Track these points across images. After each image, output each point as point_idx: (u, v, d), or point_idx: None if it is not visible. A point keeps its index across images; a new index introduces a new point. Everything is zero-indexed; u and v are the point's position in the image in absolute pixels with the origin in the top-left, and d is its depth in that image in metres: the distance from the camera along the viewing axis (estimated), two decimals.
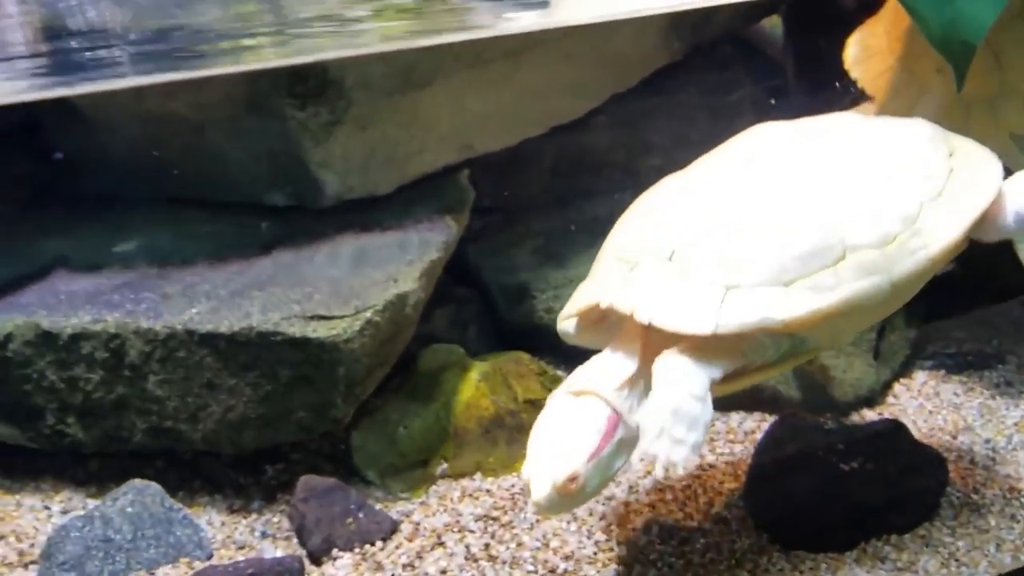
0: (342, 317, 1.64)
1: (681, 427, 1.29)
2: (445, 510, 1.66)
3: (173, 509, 1.62)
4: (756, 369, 1.41)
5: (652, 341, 1.37)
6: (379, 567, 1.55)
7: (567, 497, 1.29)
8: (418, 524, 1.63)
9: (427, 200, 1.91)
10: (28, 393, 1.69)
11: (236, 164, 1.85)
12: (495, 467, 1.77)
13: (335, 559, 1.56)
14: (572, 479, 1.28)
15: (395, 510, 1.67)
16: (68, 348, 1.67)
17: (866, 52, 1.91)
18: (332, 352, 1.62)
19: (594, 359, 1.41)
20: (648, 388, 1.35)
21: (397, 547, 1.58)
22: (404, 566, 1.54)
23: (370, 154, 1.84)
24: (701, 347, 1.33)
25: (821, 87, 2.06)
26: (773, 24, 2.42)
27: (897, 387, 1.97)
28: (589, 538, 1.59)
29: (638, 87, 2.18)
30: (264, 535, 1.66)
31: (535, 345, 1.93)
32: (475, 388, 1.80)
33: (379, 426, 1.78)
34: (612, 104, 2.14)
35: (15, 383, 1.69)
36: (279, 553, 1.60)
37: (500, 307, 2.04)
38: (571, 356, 1.50)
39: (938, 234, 1.44)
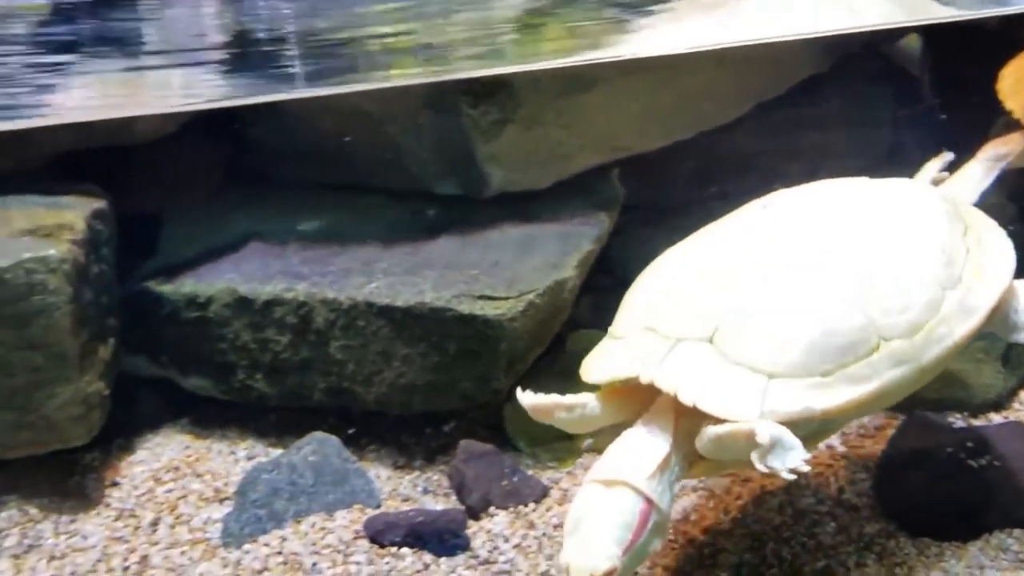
0: (506, 298, 1.81)
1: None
2: None
3: (348, 460, 1.81)
4: None
5: (684, 419, 1.41)
6: (531, 525, 1.71)
7: None
8: (566, 491, 1.79)
9: (581, 196, 2.06)
10: (223, 351, 1.91)
11: (411, 155, 2.04)
12: None
13: (492, 515, 1.73)
14: (609, 574, 1.33)
15: (544, 477, 1.84)
16: (262, 312, 1.88)
17: (1021, 84, 1.96)
18: (497, 329, 1.79)
19: (624, 439, 1.43)
20: (679, 466, 1.40)
21: (548, 510, 1.75)
22: (554, 526, 1.70)
23: (533, 151, 2.00)
24: None
25: (962, 109, 2.13)
26: (910, 42, 2.49)
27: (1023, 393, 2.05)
28: (726, 514, 1.72)
29: (783, 96, 2.29)
30: (425, 491, 1.85)
31: None
32: None
33: None
34: (757, 111, 2.25)
35: (212, 341, 1.91)
36: (440, 507, 1.78)
37: None
38: None
39: (960, 322, 1.49)
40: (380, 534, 1.67)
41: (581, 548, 1.32)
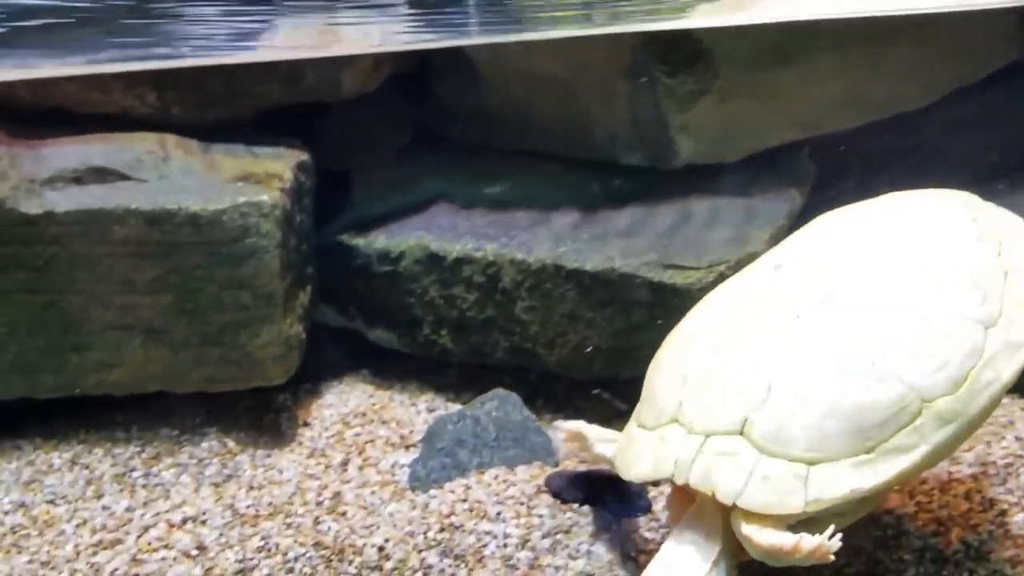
0: (697, 268, 1.82)
1: None
2: None
3: (529, 418, 1.85)
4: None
5: (728, 512, 1.38)
6: None
7: None
8: None
9: (770, 172, 2.05)
10: (410, 305, 1.98)
11: (600, 124, 2.06)
12: None
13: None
14: None
15: None
16: (451, 270, 1.93)
17: None
18: (685, 298, 1.78)
19: (672, 547, 1.40)
20: (731, 553, 1.38)
21: None
22: None
23: (726, 124, 1.99)
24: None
25: None
26: None
27: None
28: (912, 498, 1.69)
29: (979, 84, 2.23)
30: None
31: None
32: None
33: None
34: (952, 97, 2.20)
35: (401, 295, 1.98)
36: None
37: None
38: None
39: (1007, 361, 1.39)
40: (562, 490, 1.71)
41: None
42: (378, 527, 1.62)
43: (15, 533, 1.64)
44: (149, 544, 1.61)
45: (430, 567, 1.57)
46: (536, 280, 1.88)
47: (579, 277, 1.85)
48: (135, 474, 1.79)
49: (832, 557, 1.33)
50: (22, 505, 1.71)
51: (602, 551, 1.59)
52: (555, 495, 1.70)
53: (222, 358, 1.80)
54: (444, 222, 2.03)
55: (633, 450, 1.47)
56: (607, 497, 1.69)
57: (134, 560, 1.58)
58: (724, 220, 1.93)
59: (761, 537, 1.33)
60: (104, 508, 1.70)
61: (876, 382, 1.35)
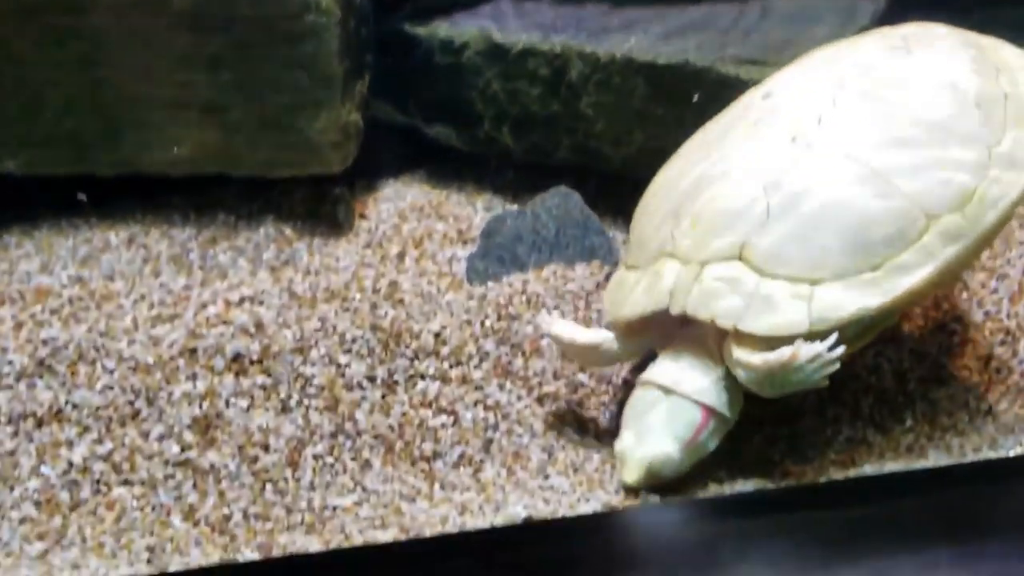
0: (776, 64, 1.72)
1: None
2: None
3: (590, 218, 1.81)
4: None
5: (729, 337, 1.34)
6: None
7: (658, 478, 1.35)
8: None
9: None
10: (471, 100, 1.91)
11: None
12: None
13: None
14: (663, 466, 1.33)
15: None
16: (515, 62, 1.86)
17: None
18: None
19: (679, 350, 1.38)
20: (732, 381, 1.35)
21: None
22: None
23: None
24: None
25: None
26: None
27: None
28: (980, 307, 1.63)
29: None
30: None
31: None
32: None
33: None
34: None
35: (462, 88, 1.91)
36: None
37: None
38: None
39: (1014, 175, 1.35)
40: None
41: (638, 441, 1.34)
42: (435, 314, 1.61)
43: (73, 305, 1.65)
44: (207, 320, 1.61)
45: (487, 354, 1.56)
46: (605, 74, 1.80)
47: (650, 71, 1.77)
48: (192, 255, 1.78)
49: (836, 366, 1.29)
50: (79, 280, 1.71)
51: None
52: None
53: (279, 142, 1.76)
54: (510, 14, 1.95)
55: (624, 291, 1.44)
56: None
57: (192, 334, 1.58)
58: (808, 19, 1.83)
59: (755, 358, 1.30)
60: (161, 285, 1.70)
61: (879, 198, 1.32)
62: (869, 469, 1.38)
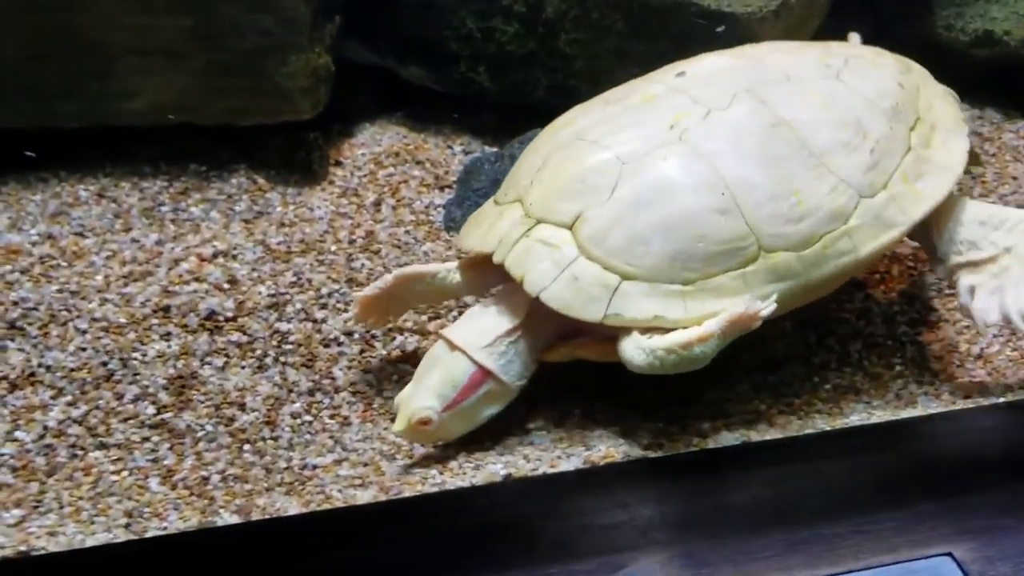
0: None
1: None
2: None
3: None
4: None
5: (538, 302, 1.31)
6: None
7: (423, 435, 1.33)
8: None
9: None
10: (446, 39, 1.85)
11: None
12: None
13: None
14: (424, 423, 1.31)
15: None
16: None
17: None
18: (745, 28, 1.66)
19: (479, 307, 1.37)
20: (532, 341, 1.33)
21: None
22: None
23: None
24: None
25: None
26: None
27: None
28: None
29: None
30: None
31: None
32: None
33: None
34: None
35: (435, 28, 1.85)
36: None
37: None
38: None
39: (870, 237, 1.29)
40: None
41: (411, 393, 1.33)
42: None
43: (44, 263, 1.61)
44: (180, 276, 1.58)
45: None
46: (581, 10, 1.74)
47: (628, 6, 1.71)
48: (163, 208, 1.74)
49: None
50: (50, 236, 1.67)
51: None
52: None
53: (247, 88, 1.70)
54: None
55: (475, 223, 1.43)
56: None
57: (165, 292, 1.55)
58: None
59: (657, 342, 1.25)
60: (133, 241, 1.66)
61: (718, 214, 1.27)
62: (856, 419, 1.36)
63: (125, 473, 1.35)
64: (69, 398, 1.43)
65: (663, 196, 1.27)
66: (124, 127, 1.76)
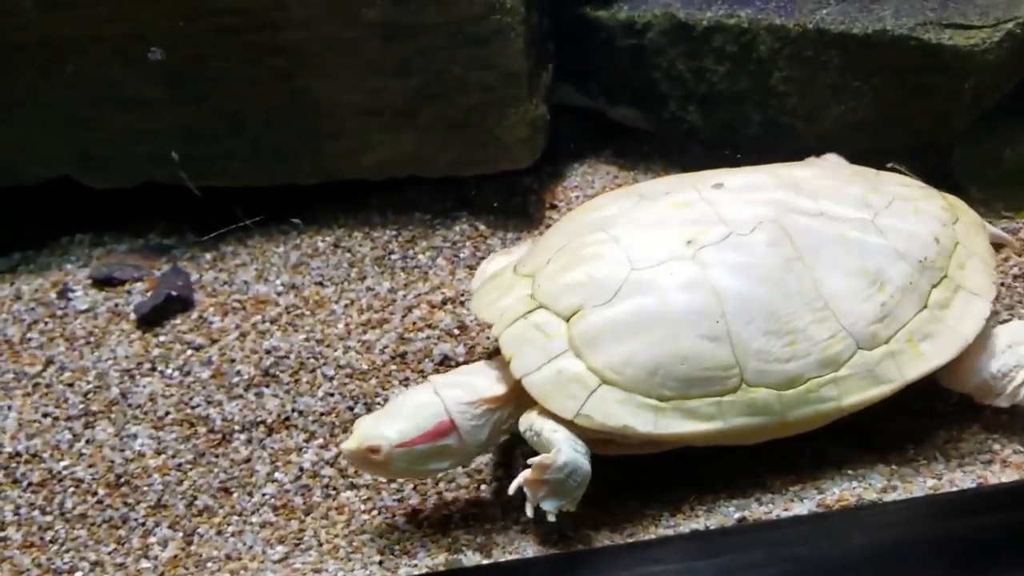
0: (981, 27, 1.63)
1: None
2: None
3: None
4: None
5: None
6: None
7: (366, 462, 1.33)
8: None
9: None
10: (656, 80, 1.89)
11: None
12: None
13: None
14: (373, 451, 1.31)
15: (999, 226, 1.70)
16: (700, 40, 1.82)
17: None
18: (965, 61, 1.62)
19: (478, 366, 1.42)
20: (507, 414, 1.35)
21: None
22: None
23: None
24: None
25: None
26: None
27: None
28: None
29: None
30: None
31: None
32: None
33: (985, 144, 1.79)
34: None
35: (646, 70, 1.89)
36: None
37: None
38: None
39: (858, 390, 1.26)
40: None
41: (374, 419, 1.37)
42: None
43: (290, 313, 1.74)
44: (414, 324, 1.67)
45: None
46: (795, 48, 1.74)
47: (844, 42, 1.70)
48: (394, 256, 1.85)
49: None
50: (293, 287, 1.80)
51: None
52: None
53: (470, 142, 1.79)
54: None
55: (490, 285, 1.48)
56: None
57: (401, 339, 1.65)
58: None
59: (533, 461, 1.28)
60: (368, 289, 1.77)
61: (708, 340, 1.27)
62: None
63: (375, 512, 1.46)
64: (320, 441, 1.55)
65: (658, 313, 1.30)
66: (355, 180, 1.88)
